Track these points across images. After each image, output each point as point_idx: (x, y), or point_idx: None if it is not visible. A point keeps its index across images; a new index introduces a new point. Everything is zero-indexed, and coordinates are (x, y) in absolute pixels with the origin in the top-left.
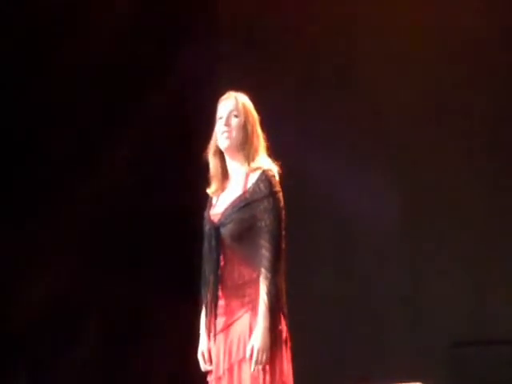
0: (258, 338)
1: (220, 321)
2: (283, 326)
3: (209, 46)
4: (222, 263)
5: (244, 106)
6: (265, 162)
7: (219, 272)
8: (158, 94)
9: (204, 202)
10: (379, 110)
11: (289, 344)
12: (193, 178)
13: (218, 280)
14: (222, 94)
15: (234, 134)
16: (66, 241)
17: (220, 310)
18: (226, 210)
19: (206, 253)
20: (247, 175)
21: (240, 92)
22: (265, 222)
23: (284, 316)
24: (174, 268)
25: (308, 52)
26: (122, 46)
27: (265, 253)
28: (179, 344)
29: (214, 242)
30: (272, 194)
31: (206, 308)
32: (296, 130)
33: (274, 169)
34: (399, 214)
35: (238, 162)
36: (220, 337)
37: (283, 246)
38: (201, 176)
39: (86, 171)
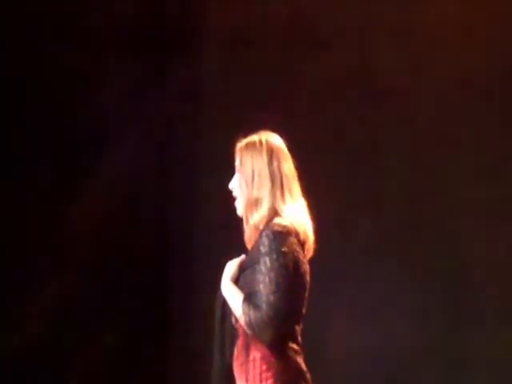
0: None
1: None
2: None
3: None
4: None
5: (242, 152)
6: (285, 215)
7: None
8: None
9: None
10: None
11: None
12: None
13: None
14: None
15: (239, 196)
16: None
17: None
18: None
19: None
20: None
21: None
22: (258, 286)
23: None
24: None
25: None
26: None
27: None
28: None
29: (219, 312)
30: (271, 252)
31: None
32: None
33: (294, 223)
34: None
35: (260, 219)
36: None
37: (284, 313)
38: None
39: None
